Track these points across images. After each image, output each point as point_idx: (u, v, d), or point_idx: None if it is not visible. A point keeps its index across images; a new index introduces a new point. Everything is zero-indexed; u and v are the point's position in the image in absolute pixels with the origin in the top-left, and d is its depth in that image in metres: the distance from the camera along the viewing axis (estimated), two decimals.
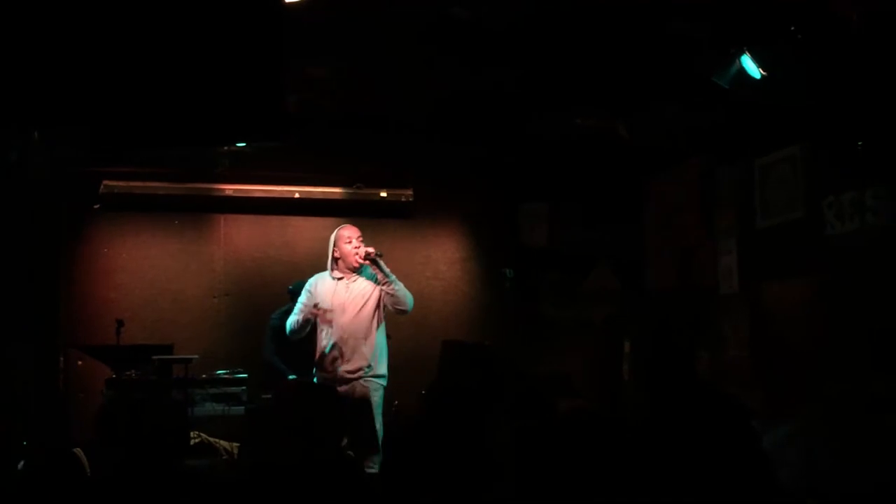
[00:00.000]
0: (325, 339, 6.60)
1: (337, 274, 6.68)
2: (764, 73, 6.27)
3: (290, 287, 8.17)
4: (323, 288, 6.68)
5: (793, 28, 5.95)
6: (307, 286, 6.80)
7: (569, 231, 9.33)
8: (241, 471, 7.15)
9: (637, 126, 8.32)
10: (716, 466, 2.98)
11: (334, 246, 6.73)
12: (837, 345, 6.21)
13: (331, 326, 6.55)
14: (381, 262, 6.62)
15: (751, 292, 7.29)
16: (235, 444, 7.88)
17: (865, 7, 5.67)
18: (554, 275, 9.31)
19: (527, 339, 8.96)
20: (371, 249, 6.62)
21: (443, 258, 9.41)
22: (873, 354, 5.78)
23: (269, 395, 7.66)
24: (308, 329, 6.66)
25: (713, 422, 3.06)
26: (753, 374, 7.16)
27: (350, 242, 6.67)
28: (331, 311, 6.55)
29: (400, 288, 6.65)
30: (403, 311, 6.76)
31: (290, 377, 7.77)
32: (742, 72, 6.36)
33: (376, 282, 6.64)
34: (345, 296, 6.61)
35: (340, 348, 6.51)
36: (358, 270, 6.68)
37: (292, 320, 6.70)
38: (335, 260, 6.70)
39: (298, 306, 6.74)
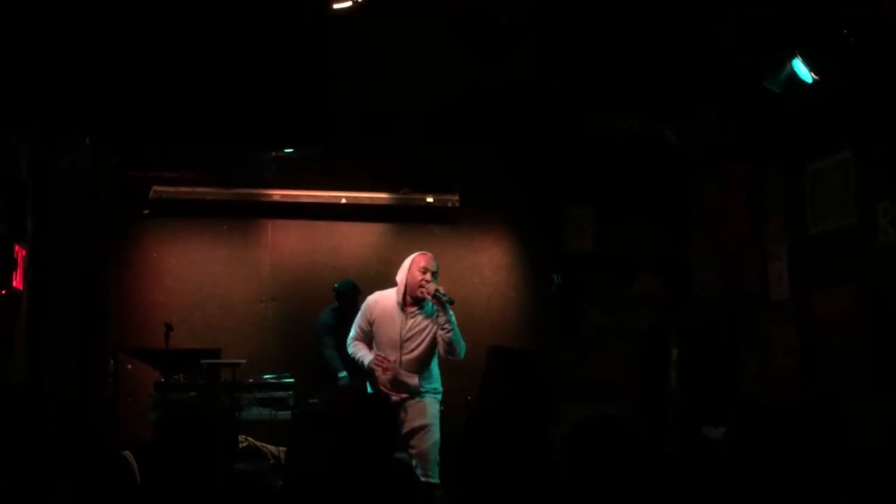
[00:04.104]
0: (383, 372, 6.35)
1: (402, 303, 6.38)
2: (816, 77, 6.20)
3: (336, 286, 8.20)
4: (386, 316, 6.39)
5: (845, 31, 5.88)
6: (364, 308, 6.52)
7: (615, 236, 9.28)
8: (289, 475, 7.20)
9: (684, 129, 8.27)
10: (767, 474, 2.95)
11: (407, 270, 6.38)
12: (889, 353, 6.11)
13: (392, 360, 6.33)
14: (449, 308, 6.32)
15: (801, 299, 7.19)
16: (282, 449, 7.92)
17: None
18: (600, 280, 9.25)
19: (572, 345, 8.92)
20: (441, 289, 6.30)
21: (489, 263, 9.39)
22: None
23: (315, 400, 7.70)
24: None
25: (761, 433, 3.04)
26: (802, 382, 7.07)
27: (424, 273, 6.31)
28: (394, 361, 6.29)
29: (457, 337, 6.34)
30: (455, 357, 6.45)
31: (341, 374, 7.78)
32: (793, 76, 6.30)
33: (436, 318, 6.34)
34: (407, 331, 6.34)
35: (398, 379, 6.29)
36: (420, 303, 6.37)
37: (353, 352, 6.49)
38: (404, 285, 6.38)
39: (355, 331, 6.52)
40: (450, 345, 6.34)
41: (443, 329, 6.31)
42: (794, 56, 6.19)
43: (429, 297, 6.30)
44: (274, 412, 7.85)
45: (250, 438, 7.91)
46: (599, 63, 7.36)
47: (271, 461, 7.83)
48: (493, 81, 7.91)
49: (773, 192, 7.63)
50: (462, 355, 6.45)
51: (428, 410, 6.34)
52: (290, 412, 7.81)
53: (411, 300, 6.36)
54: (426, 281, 6.29)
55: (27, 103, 5.43)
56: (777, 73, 6.24)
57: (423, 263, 6.35)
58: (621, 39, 6.92)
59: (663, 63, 7.11)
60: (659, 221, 9.13)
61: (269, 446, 7.97)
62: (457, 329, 6.35)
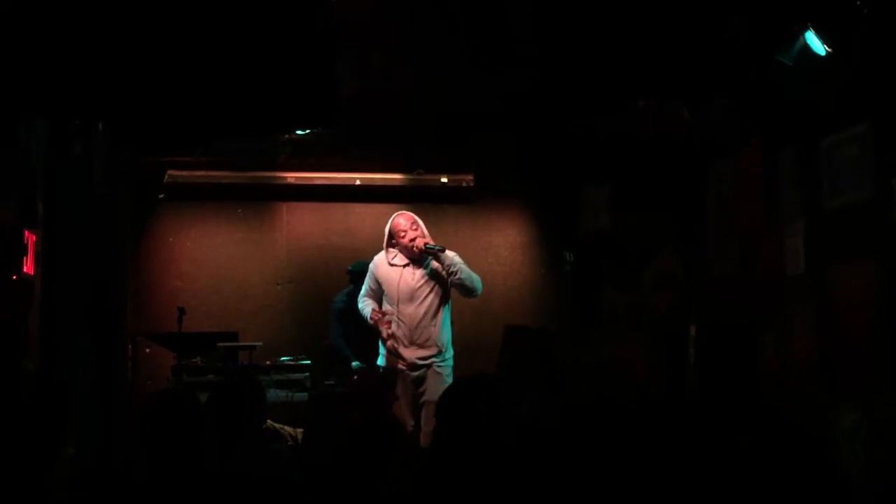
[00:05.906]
0: (393, 327, 6.47)
1: (400, 261, 6.51)
2: (829, 50, 6.13)
3: (350, 268, 8.21)
4: (386, 274, 6.54)
5: (858, 2, 5.80)
6: (370, 269, 6.67)
7: (633, 214, 9.23)
8: (307, 458, 7.24)
9: (697, 108, 8.20)
10: (775, 462, 2.93)
11: (391, 237, 6.56)
12: None
13: (398, 316, 6.44)
14: (441, 256, 6.42)
15: (817, 275, 7.13)
16: (300, 430, 7.95)
17: None
18: (617, 258, 9.21)
19: (590, 324, 8.90)
20: (429, 241, 6.44)
21: (504, 243, 9.36)
22: None
23: (332, 382, 7.72)
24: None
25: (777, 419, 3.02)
26: (820, 360, 7.01)
27: (405, 236, 6.48)
28: (394, 313, 6.42)
29: (466, 276, 6.46)
30: (474, 297, 6.62)
31: (354, 363, 7.81)
32: (806, 48, 6.23)
33: (439, 270, 6.45)
34: (411, 283, 6.45)
35: (410, 336, 6.40)
36: (420, 259, 6.51)
37: (362, 307, 6.62)
38: (394, 247, 6.54)
39: (365, 289, 6.65)
40: (463, 287, 6.45)
41: (451, 275, 6.35)
42: (806, 28, 6.12)
43: (421, 252, 6.41)
44: (291, 394, 7.89)
45: (269, 420, 7.94)
46: (613, 45, 7.29)
47: (290, 442, 7.85)
48: (506, 63, 7.85)
49: (789, 168, 7.56)
50: (479, 290, 6.62)
51: (443, 382, 6.38)
52: (307, 394, 7.84)
53: (409, 259, 6.46)
54: (411, 239, 6.39)
55: (39, 90, 5.46)
56: (789, 46, 6.18)
57: (400, 226, 6.47)
58: (632, 24, 6.85)
59: (675, 47, 7.04)
60: (676, 200, 9.08)
61: (287, 428, 8.00)
62: (462, 268, 6.38)
